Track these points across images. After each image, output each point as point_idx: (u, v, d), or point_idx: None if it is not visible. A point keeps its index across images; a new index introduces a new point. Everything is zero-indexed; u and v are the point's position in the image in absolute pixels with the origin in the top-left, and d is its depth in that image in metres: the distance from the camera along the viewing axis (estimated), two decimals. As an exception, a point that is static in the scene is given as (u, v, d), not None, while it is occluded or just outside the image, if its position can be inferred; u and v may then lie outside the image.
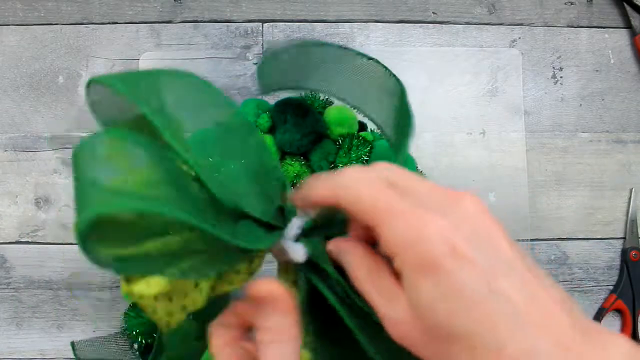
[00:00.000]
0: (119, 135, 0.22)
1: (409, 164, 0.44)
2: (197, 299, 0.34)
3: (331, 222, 0.26)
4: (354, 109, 0.37)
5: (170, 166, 0.23)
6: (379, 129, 0.37)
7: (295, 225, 0.26)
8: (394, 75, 0.32)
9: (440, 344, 0.19)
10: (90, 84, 0.24)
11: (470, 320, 0.18)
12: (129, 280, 0.25)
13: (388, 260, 0.21)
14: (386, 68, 0.33)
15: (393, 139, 0.34)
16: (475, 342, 0.18)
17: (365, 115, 0.37)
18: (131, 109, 0.24)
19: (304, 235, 0.25)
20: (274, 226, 0.25)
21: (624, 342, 0.18)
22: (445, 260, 0.18)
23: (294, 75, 0.37)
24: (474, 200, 0.20)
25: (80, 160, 0.21)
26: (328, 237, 0.25)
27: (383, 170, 0.22)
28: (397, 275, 0.20)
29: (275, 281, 0.22)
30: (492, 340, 0.18)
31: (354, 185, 0.21)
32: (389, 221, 0.19)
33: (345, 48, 0.33)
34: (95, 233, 0.20)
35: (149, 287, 0.25)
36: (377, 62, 0.33)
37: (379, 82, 0.34)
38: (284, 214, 0.26)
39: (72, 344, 0.42)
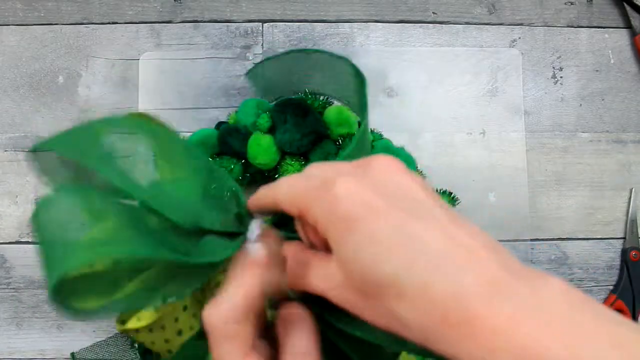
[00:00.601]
0: (73, 191, 0.23)
1: (409, 164, 0.44)
2: (191, 321, 0.35)
3: (286, 219, 0.27)
4: (330, 97, 0.41)
5: (127, 209, 0.23)
6: (346, 104, 0.41)
7: (254, 227, 0.27)
8: (352, 64, 0.35)
9: (373, 299, 0.19)
10: (33, 151, 0.25)
11: (391, 266, 0.18)
12: (122, 321, 0.26)
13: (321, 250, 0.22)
14: (345, 59, 0.36)
15: (355, 102, 0.37)
16: (401, 287, 0.18)
17: (335, 98, 0.42)
18: (77, 165, 0.26)
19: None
20: (237, 233, 0.26)
21: (558, 282, 0.17)
22: (357, 212, 0.19)
23: (283, 78, 0.39)
24: (384, 160, 0.21)
25: (42, 222, 0.22)
26: (289, 237, 0.26)
27: (308, 169, 0.24)
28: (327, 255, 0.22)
29: (298, 305, 0.24)
30: (415, 283, 0.18)
31: (282, 186, 0.23)
32: (310, 202, 0.21)
33: (320, 51, 0.37)
34: (71, 288, 0.21)
35: (140, 320, 0.26)
36: (336, 56, 0.36)
37: (343, 70, 0.36)
38: (242, 220, 0.27)
39: (73, 355, 0.42)
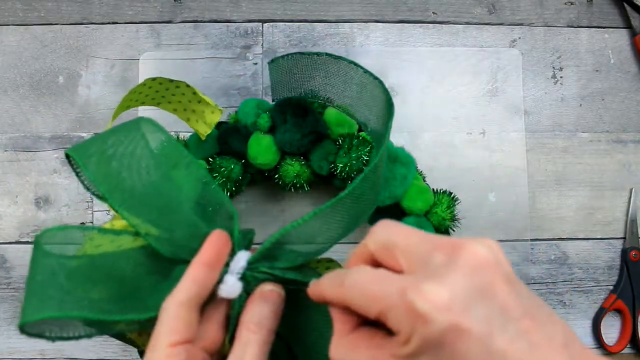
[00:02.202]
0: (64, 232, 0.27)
1: (409, 164, 0.44)
2: None
3: (276, 257, 0.28)
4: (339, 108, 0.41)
5: (98, 258, 0.27)
6: (359, 123, 0.41)
7: (241, 259, 0.27)
8: (378, 80, 0.36)
9: None
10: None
11: None
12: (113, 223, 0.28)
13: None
14: (368, 72, 0.36)
15: (376, 127, 0.37)
16: None
17: (349, 115, 0.41)
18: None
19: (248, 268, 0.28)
20: None
21: None
22: (444, 337, 0.19)
23: (305, 77, 0.39)
24: (476, 253, 0.20)
25: (33, 258, 0.26)
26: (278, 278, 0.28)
27: (378, 238, 0.23)
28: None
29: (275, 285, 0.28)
30: None
31: (353, 287, 0.22)
32: (389, 311, 0.20)
33: (355, 64, 0.36)
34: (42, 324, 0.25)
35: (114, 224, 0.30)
36: (363, 69, 0.36)
37: (372, 89, 0.37)
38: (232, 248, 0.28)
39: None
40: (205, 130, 0.42)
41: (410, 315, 0.19)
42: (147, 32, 0.51)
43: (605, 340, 0.49)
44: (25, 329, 0.25)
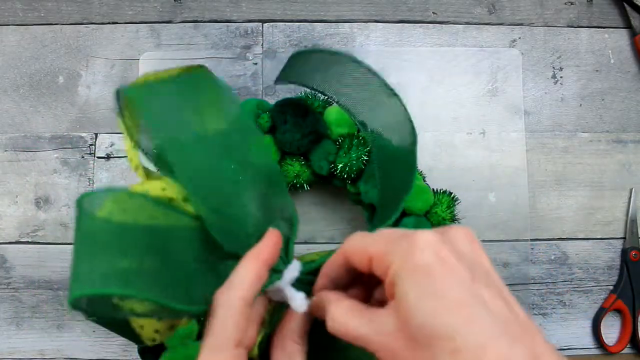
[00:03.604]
0: (115, 195, 0.24)
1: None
2: (189, 321, 0.35)
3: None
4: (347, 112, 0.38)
5: (163, 235, 0.24)
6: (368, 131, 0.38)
7: (295, 269, 0.27)
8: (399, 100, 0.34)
9: (422, 351, 0.20)
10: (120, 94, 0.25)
11: (453, 320, 0.19)
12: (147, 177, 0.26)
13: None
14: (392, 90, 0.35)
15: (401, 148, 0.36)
16: (457, 343, 0.19)
17: (357, 120, 0.39)
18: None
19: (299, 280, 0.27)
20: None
21: None
22: (434, 265, 0.21)
23: (308, 73, 0.37)
24: (462, 229, 0.23)
25: (81, 224, 0.23)
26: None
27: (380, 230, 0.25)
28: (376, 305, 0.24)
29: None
30: (473, 342, 0.19)
31: (353, 238, 0.25)
32: (387, 248, 0.23)
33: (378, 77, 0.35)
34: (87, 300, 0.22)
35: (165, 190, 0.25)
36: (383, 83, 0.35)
37: (378, 95, 0.35)
38: (287, 254, 0.27)
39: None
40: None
41: (405, 247, 0.22)
42: (147, 32, 0.51)
43: (605, 340, 0.49)
44: (77, 305, 0.22)
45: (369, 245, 0.23)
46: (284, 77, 0.41)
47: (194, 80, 0.26)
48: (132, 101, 0.24)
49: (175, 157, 0.23)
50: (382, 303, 0.23)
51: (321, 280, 0.27)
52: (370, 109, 0.36)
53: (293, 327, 0.26)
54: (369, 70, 0.35)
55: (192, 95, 0.25)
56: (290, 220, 0.28)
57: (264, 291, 0.26)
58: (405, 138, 0.34)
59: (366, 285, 0.27)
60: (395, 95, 0.34)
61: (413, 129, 0.33)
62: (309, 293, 0.27)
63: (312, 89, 0.39)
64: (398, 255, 0.22)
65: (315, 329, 0.27)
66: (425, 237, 0.22)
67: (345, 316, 0.23)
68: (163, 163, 0.24)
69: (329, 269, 0.26)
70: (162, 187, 0.24)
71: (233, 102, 0.27)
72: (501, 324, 0.19)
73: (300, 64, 0.39)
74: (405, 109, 0.34)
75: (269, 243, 0.26)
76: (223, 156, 0.25)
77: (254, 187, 0.26)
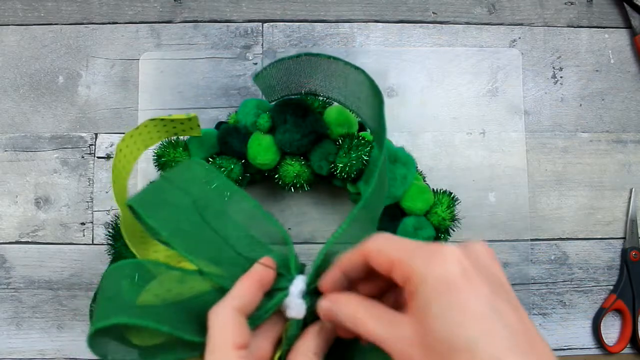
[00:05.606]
0: (135, 264, 0.29)
1: (409, 163, 0.44)
2: None
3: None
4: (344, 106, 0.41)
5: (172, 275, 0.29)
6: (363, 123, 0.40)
7: (300, 283, 0.28)
8: (368, 77, 0.36)
9: (440, 359, 0.20)
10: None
11: (473, 332, 0.20)
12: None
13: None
14: (363, 72, 0.36)
15: (370, 118, 0.38)
16: (475, 355, 0.19)
17: (353, 112, 0.41)
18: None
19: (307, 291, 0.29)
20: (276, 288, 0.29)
21: None
22: (457, 278, 0.21)
23: (293, 79, 0.39)
24: (482, 245, 0.24)
25: (107, 281, 0.28)
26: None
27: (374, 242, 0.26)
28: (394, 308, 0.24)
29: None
30: (490, 356, 0.19)
31: (376, 239, 0.25)
32: (410, 254, 0.23)
33: (335, 58, 0.37)
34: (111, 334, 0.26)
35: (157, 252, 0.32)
36: (355, 67, 0.37)
37: (359, 82, 0.37)
38: (289, 270, 0.29)
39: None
40: (198, 133, 0.42)
41: (430, 257, 0.22)
42: (147, 32, 0.51)
43: (605, 340, 0.49)
44: (94, 343, 0.26)
45: (393, 251, 0.24)
46: (270, 97, 0.44)
47: (175, 174, 0.32)
48: (137, 211, 0.30)
49: (177, 243, 0.29)
50: (395, 305, 0.24)
51: (333, 272, 0.27)
52: (344, 85, 0.39)
53: (309, 344, 0.27)
54: (330, 57, 0.37)
55: (180, 184, 0.31)
56: (283, 240, 0.30)
57: (277, 309, 0.28)
58: (374, 101, 0.36)
59: (376, 282, 0.27)
60: (357, 68, 0.36)
61: (377, 90, 0.35)
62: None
63: (301, 94, 0.41)
64: (422, 265, 0.22)
65: (334, 349, 0.28)
66: (451, 250, 0.22)
67: (365, 314, 0.24)
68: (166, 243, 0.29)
69: (345, 264, 0.27)
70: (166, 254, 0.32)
71: (208, 172, 0.32)
72: (515, 338, 0.20)
73: (271, 80, 0.41)
74: (368, 76, 0.36)
75: (259, 265, 0.29)
76: (210, 221, 0.30)
77: (240, 231, 0.31)
